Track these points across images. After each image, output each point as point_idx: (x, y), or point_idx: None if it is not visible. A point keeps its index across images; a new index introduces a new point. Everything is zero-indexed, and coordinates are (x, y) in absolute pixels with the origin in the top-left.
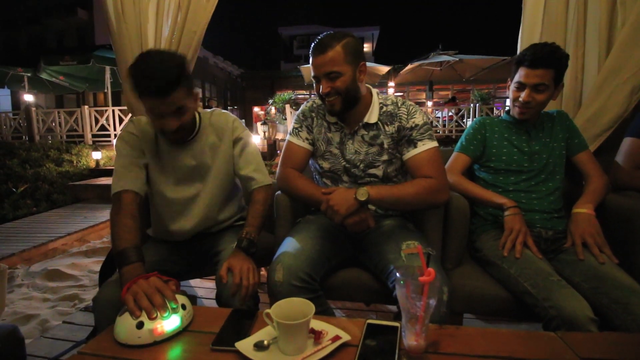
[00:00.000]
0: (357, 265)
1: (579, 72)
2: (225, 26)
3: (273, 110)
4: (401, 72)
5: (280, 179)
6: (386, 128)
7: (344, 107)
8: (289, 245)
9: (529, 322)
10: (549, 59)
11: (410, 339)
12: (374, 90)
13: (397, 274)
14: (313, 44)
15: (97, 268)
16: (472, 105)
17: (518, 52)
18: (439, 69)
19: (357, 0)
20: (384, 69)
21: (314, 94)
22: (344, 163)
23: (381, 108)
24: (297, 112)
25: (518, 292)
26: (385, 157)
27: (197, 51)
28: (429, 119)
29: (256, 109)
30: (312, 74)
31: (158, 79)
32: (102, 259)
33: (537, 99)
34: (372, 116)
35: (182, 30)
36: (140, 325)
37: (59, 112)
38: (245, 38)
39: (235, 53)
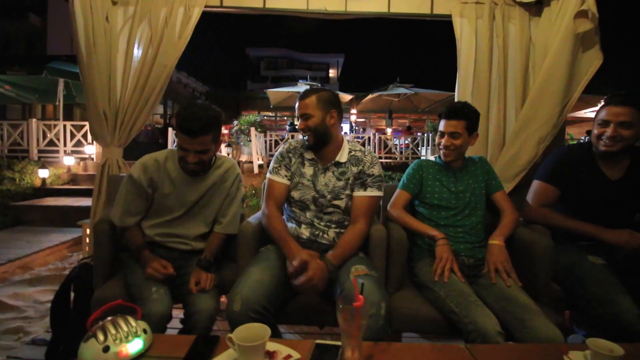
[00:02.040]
0: None
1: (502, 122)
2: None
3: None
4: (363, 100)
5: (263, 215)
6: (352, 168)
7: (316, 142)
8: (249, 276)
9: (458, 338)
10: (460, 112)
11: (348, 354)
12: (346, 138)
13: (337, 301)
14: (301, 93)
15: (44, 298)
16: (425, 134)
17: None
18: (397, 99)
19: (324, 28)
20: (347, 97)
21: (287, 126)
22: (314, 193)
23: (350, 152)
24: (276, 153)
25: (445, 311)
26: (347, 192)
27: (167, 83)
28: (382, 172)
29: (224, 131)
30: (296, 113)
31: (194, 123)
32: (49, 287)
33: (454, 143)
34: (342, 156)
35: (152, 64)
36: (106, 349)
37: (1, 124)
38: (211, 55)
39: (200, 69)
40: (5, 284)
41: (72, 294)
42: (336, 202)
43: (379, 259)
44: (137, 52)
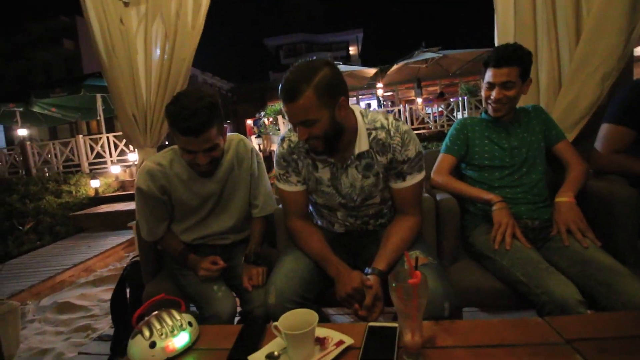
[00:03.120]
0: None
1: (555, 63)
2: (211, 42)
3: (266, 121)
4: (388, 72)
5: (290, 234)
6: (379, 158)
7: (328, 146)
8: (283, 266)
9: (525, 309)
10: (512, 57)
11: (407, 337)
12: (358, 112)
13: (389, 279)
14: (281, 85)
15: (107, 296)
16: (460, 98)
17: None
18: (424, 66)
19: (339, 5)
20: (371, 71)
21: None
22: (339, 199)
23: (370, 134)
24: (276, 156)
25: (512, 282)
26: (382, 186)
27: (188, 77)
28: (419, 146)
29: (249, 122)
30: (288, 120)
31: (191, 120)
32: (111, 286)
33: (507, 95)
34: (361, 144)
35: (171, 59)
36: (152, 344)
37: (53, 144)
38: (232, 52)
39: (223, 68)
40: (72, 287)
41: (128, 291)
42: (370, 202)
43: (429, 231)
44: (155, 50)
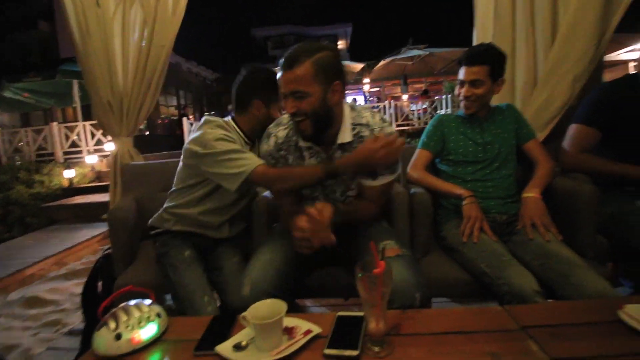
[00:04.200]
0: (333, 263)
1: (531, 63)
2: (196, 30)
3: None
4: (375, 68)
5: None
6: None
7: (317, 129)
8: (259, 257)
9: (492, 300)
10: (483, 56)
11: (372, 325)
12: (346, 106)
13: (356, 270)
14: (284, 56)
15: (79, 290)
16: (444, 97)
17: None
18: (411, 63)
19: None
20: (358, 66)
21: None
22: (322, 189)
23: (354, 129)
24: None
25: (477, 273)
26: (356, 182)
27: (167, 64)
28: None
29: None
30: (280, 89)
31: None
32: (83, 280)
33: (475, 93)
34: (345, 135)
35: (149, 45)
36: (118, 336)
37: (26, 131)
38: (218, 41)
39: (208, 57)
40: (42, 280)
41: (101, 284)
42: (349, 194)
43: (403, 224)
44: (133, 35)
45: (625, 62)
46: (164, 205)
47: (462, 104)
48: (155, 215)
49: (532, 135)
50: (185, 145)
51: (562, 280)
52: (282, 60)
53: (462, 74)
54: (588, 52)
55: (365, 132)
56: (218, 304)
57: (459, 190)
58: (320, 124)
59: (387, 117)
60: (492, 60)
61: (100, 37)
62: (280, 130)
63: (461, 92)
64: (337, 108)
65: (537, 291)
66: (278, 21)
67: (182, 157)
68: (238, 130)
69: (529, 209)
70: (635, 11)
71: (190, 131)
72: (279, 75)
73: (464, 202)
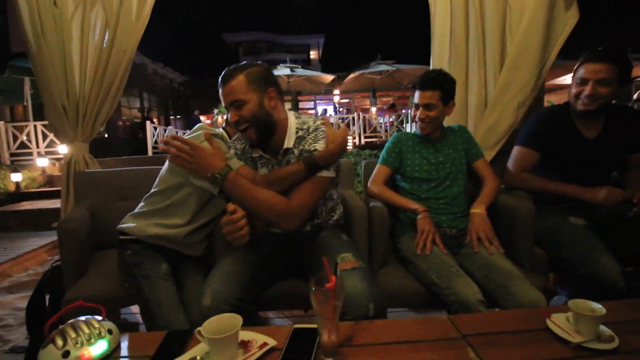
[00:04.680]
0: (294, 274)
1: (482, 88)
2: (165, 31)
3: (220, 119)
4: (345, 80)
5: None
6: (295, 153)
7: (261, 135)
8: (221, 268)
9: (443, 309)
10: (434, 82)
11: (325, 337)
12: (291, 114)
13: (309, 284)
14: (220, 77)
15: (23, 304)
16: (409, 110)
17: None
18: (379, 77)
19: (301, 8)
20: (329, 77)
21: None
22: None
23: (297, 132)
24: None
25: (428, 283)
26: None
27: (128, 70)
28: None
29: (202, 119)
30: (223, 104)
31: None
32: (28, 294)
33: (429, 116)
34: (289, 140)
35: (110, 49)
36: (66, 354)
37: None
38: (187, 44)
39: (177, 60)
40: None
41: (48, 298)
42: None
43: (361, 236)
44: (93, 38)
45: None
46: (140, 209)
47: (418, 125)
48: (128, 218)
49: (480, 154)
50: None
51: (502, 290)
52: (219, 80)
53: (417, 97)
54: (531, 81)
55: (302, 133)
56: None
57: (414, 205)
58: (263, 129)
59: (355, 128)
60: (444, 86)
61: (56, 38)
62: (237, 144)
63: (417, 114)
64: (278, 115)
65: (481, 300)
66: (250, 27)
67: (167, 161)
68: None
69: (476, 224)
70: (579, 41)
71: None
72: (219, 92)
73: (418, 217)
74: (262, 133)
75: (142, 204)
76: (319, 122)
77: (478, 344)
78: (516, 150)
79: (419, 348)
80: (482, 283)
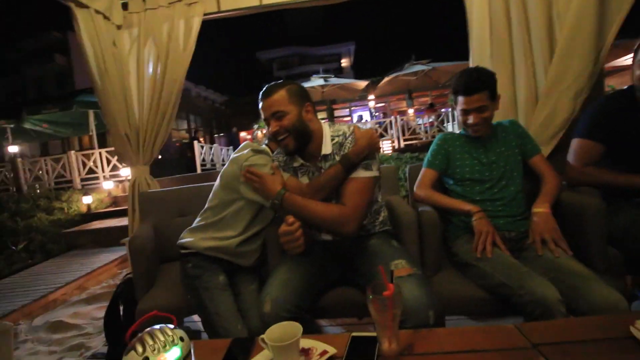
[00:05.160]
0: (346, 283)
1: (531, 79)
2: (204, 55)
3: (259, 134)
4: (379, 84)
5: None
6: (336, 158)
7: (297, 144)
8: (278, 276)
9: (507, 316)
10: (479, 83)
11: (385, 345)
12: (325, 124)
13: (367, 292)
14: (261, 92)
15: (100, 314)
16: (449, 109)
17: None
18: (415, 78)
19: (331, 18)
20: (362, 83)
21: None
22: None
23: (333, 139)
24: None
25: (494, 286)
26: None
27: (180, 96)
28: (375, 154)
29: (242, 134)
30: (262, 117)
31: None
32: (104, 304)
33: (483, 117)
34: (326, 147)
35: (163, 80)
36: None
37: (45, 160)
38: (225, 65)
39: (217, 81)
40: (65, 305)
41: (122, 308)
42: None
43: (412, 242)
44: (147, 71)
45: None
46: (197, 224)
47: (470, 130)
48: (186, 233)
49: (537, 150)
50: (226, 165)
51: (573, 293)
52: (260, 95)
53: (462, 103)
54: (587, 68)
55: (340, 139)
56: None
57: (467, 207)
58: (300, 138)
59: (393, 132)
60: (488, 84)
61: (117, 74)
62: (280, 157)
63: (468, 118)
64: (314, 126)
65: (560, 300)
66: (283, 43)
67: (220, 175)
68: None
69: (539, 224)
70: (637, 17)
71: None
72: (260, 105)
73: (474, 218)
74: (299, 142)
75: (198, 219)
76: (352, 127)
77: (551, 354)
78: (576, 143)
79: (485, 358)
80: None
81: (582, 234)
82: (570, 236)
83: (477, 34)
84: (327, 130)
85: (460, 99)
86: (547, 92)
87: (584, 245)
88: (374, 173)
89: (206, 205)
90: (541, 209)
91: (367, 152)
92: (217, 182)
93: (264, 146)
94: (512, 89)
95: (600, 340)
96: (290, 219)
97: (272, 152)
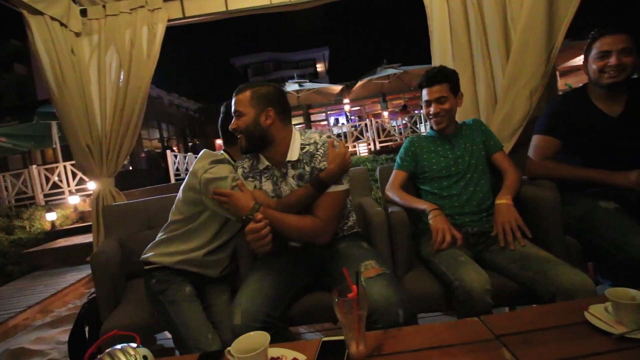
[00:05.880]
0: (320, 288)
1: (490, 80)
2: (176, 63)
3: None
4: (353, 88)
5: None
6: (306, 168)
7: (248, 145)
8: (248, 286)
9: None
10: (440, 76)
11: (352, 348)
12: (297, 132)
13: (332, 295)
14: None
15: (66, 338)
16: (421, 111)
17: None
18: (387, 81)
19: (304, 24)
20: (337, 88)
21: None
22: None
23: (303, 148)
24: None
25: (439, 275)
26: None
27: (145, 105)
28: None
29: (219, 142)
30: None
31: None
32: (70, 327)
33: (443, 108)
34: (293, 154)
35: (126, 88)
36: None
37: (4, 176)
38: (198, 72)
39: (190, 88)
40: (27, 330)
41: (87, 329)
42: None
43: (382, 243)
44: (109, 79)
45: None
46: (160, 238)
47: (432, 122)
48: (149, 248)
49: (499, 146)
50: (186, 179)
51: (541, 277)
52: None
53: (425, 95)
54: (540, 67)
55: (312, 148)
56: None
57: (422, 205)
58: (253, 140)
59: (368, 134)
60: (449, 78)
61: (76, 83)
62: (245, 162)
63: (430, 110)
64: (276, 131)
65: (488, 289)
66: (257, 49)
67: (182, 189)
68: (232, 161)
69: (502, 215)
70: (585, 20)
71: (189, 163)
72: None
73: (430, 217)
74: (251, 143)
75: (161, 233)
76: (324, 137)
77: (513, 344)
78: (536, 139)
79: (452, 352)
80: (519, 274)
81: (541, 224)
82: (530, 227)
83: (438, 39)
84: (297, 136)
85: (424, 92)
86: (505, 91)
87: (543, 235)
88: (345, 186)
89: (169, 219)
90: (503, 200)
91: (338, 176)
92: (179, 196)
93: (221, 153)
94: (473, 90)
95: (558, 327)
96: (259, 216)
97: (232, 157)
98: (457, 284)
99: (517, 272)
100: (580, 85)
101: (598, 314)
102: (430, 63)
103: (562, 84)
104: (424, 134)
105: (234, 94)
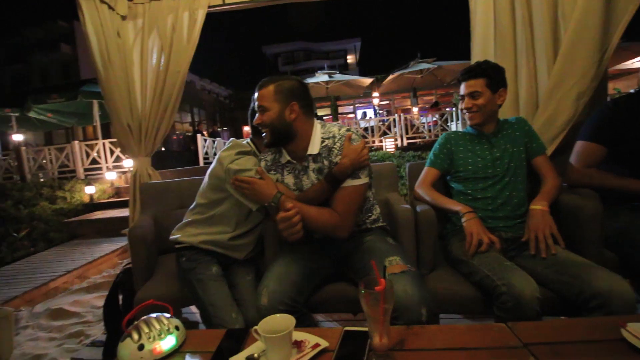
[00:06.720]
0: (342, 279)
1: (533, 79)
2: (210, 49)
3: (247, 129)
4: (384, 82)
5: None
6: (325, 162)
7: (273, 139)
8: (275, 270)
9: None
10: (476, 70)
11: (376, 340)
12: (318, 125)
13: (359, 287)
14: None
15: (100, 303)
16: (453, 108)
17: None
18: (420, 76)
19: (337, 14)
20: (367, 80)
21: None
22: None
23: (322, 142)
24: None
25: (479, 278)
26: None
27: (182, 88)
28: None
29: (246, 128)
30: None
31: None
32: (104, 293)
33: (476, 104)
34: (313, 147)
35: (166, 71)
36: (141, 347)
37: (49, 149)
38: (230, 59)
39: (222, 75)
40: (66, 293)
41: (121, 297)
42: None
43: (408, 240)
44: (150, 62)
45: (638, 70)
46: (188, 219)
47: (466, 117)
48: (177, 229)
49: (543, 149)
50: (212, 164)
51: (576, 281)
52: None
53: (461, 89)
54: (590, 69)
55: (329, 142)
56: None
57: (456, 207)
58: (278, 135)
59: (396, 130)
60: (487, 73)
61: (120, 65)
62: (268, 155)
63: (463, 104)
64: (299, 125)
65: (537, 297)
66: (289, 38)
67: (208, 174)
68: (257, 152)
69: (536, 220)
70: None
71: (217, 149)
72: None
73: (463, 220)
74: (276, 138)
75: (187, 214)
76: (343, 130)
77: (542, 354)
78: (580, 145)
79: (476, 356)
80: (555, 279)
81: (579, 236)
82: (567, 237)
83: (480, 33)
84: (318, 130)
85: (461, 86)
86: (550, 93)
87: (580, 247)
88: (362, 181)
89: (195, 202)
90: (539, 206)
91: (350, 171)
92: (205, 180)
93: (247, 142)
94: (514, 89)
95: (591, 342)
96: (289, 204)
97: (257, 148)
98: (504, 289)
99: (552, 278)
100: (632, 90)
101: (637, 333)
102: (467, 59)
103: (610, 88)
104: (462, 130)
105: (256, 89)
